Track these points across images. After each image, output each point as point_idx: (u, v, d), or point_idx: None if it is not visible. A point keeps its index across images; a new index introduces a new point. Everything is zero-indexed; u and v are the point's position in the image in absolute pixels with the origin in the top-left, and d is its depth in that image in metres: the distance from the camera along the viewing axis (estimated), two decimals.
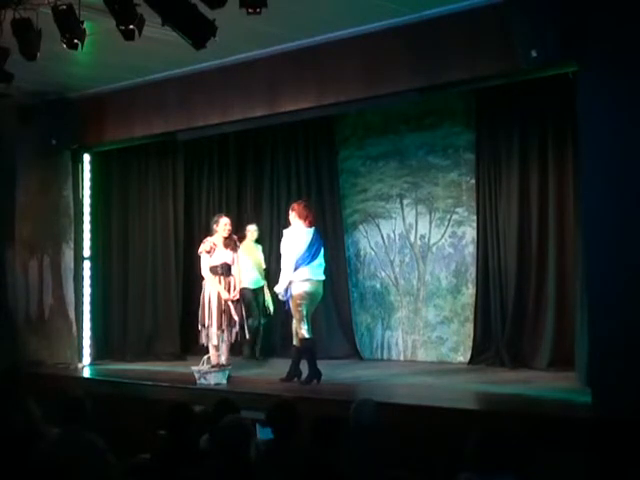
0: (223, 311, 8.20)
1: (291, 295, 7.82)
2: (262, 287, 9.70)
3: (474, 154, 9.04)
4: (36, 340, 9.78)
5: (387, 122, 9.72)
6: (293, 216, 7.98)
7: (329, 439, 4.41)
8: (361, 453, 4.71)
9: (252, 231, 9.86)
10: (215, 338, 8.18)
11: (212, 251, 8.27)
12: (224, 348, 8.29)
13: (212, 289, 8.24)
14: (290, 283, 7.79)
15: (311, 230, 7.96)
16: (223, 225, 8.36)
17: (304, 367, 7.96)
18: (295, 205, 8.10)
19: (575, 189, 7.87)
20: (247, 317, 8.81)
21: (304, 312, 7.76)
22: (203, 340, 8.32)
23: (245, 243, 9.57)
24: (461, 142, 9.25)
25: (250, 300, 9.40)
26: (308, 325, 7.80)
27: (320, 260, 7.98)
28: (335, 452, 4.38)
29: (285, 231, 8.06)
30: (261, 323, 9.76)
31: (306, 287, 7.80)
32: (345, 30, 7.50)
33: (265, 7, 5.19)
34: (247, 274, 9.28)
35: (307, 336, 7.78)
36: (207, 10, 5.22)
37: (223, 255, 8.29)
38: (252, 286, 9.54)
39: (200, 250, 8.35)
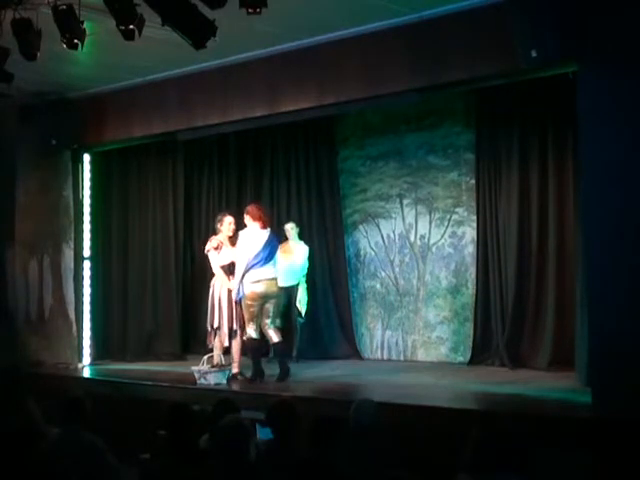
0: (234, 311, 8.17)
1: (243, 295, 7.93)
2: (296, 286, 9.35)
3: (474, 154, 9.04)
4: (36, 340, 9.77)
5: (387, 122, 9.72)
6: (247, 219, 8.06)
7: (329, 439, 4.41)
8: (361, 453, 4.71)
9: (289, 229, 9.50)
10: (227, 340, 8.14)
11: (220, 248, 8.24)
12: (236, 348, 8.25)
13: (222, 288, 8.19)
14: (242, 284, 7.91)
15: (266, 232, 8.06)
16: (227, 224, 8.33)
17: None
18: (249, 208, 8.19)
19: (575, 189, 7.87)
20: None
21: (254, 312, 7.94)
22: (211, 342, 8.25)
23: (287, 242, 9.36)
24: (461, 142, 9.25)
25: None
26: (257, 325, 7.96)
27: (274, 261, 8.11)
28: (335, 452, 4.37)
29: (241, 232, 8.12)
30: (298, 323, 9.43)
31: (257, 288, 7.93)
32: (345, 30, 7.50)
33: (265, 7, 5.19)
34: (280, 272, 9.05)
35: (253, 336, 7.96)
36: (207, 10, 5.22)
37: (230, 254, 8.26)
38: (283, 285, 9.09)
39: (208, 248, 8.30)
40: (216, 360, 8.10)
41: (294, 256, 9.39)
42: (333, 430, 4.48)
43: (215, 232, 8.43)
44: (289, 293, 9.26)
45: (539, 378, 7.77)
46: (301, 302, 9.36)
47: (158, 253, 10.62)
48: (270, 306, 8.04)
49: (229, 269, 8.22)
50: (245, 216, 8.11)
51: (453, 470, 4.08)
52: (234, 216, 8.42)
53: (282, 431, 4.66)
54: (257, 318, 7.97)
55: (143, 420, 7.19)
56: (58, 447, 4.71)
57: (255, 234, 8.00)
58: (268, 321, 8.02)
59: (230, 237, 8.31)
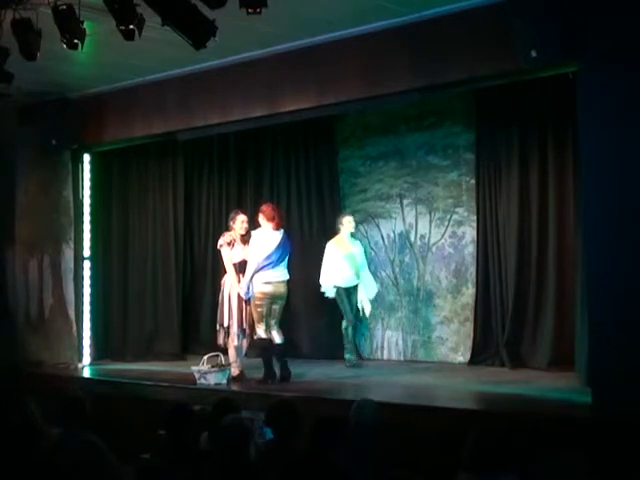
0: (244, 310, 8.15)
1: (253, 295, 7.92)
2: (356, 286, 9.08)
3: (474, 154, 9.04)
4: (36, 340, 9.78)
5: (387, 122, 9.71)
6: (261, 218, 8.03)
7: (329, 439, 4.41)
8: (361, 453, 4.71)
9: (346, 223, 9.12)
10: (236, 339, 8.13)
11: (232, 245, 8.21)
12: (245, 347, 8.26)
13: (232, 287, 8.15)
14: (252, 283, 7.90)
15: (279, 233, 8.03)
16: (240, 222, 8.28)
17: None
18: (263, 207, 8.16)
19: (575, 189, 7.87)
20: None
21: (263, 312, 7.92)
22: (221, 341, 8.24)
23: (338, 237, 9.12)
24: (461, 142, 9.24)
25: (342, 300, 8.98)
26: (266, 326, 7.95)
27: (285, 262, 8.07)
28: (335, 452, 4.37)
29: (253, 232, 8.09)
30: (356, 324, 9.25)
31: (266, 289, 7.92)
32: (345, 30, 7.50)
33: (265, 7, 5.19)
34: (339, 271, 8.97)
35: (263, 336, 7.95)
36: (207, 10, 5.22)
37: (240, 252, 8.23)
38: (345, 285, 9.00)
39: (221, 243, 8.25)
40: (232, 359, 8.11)
41: (352, 253, 9.10)
42: (333, 430, 4.48)
43: (228, 229, 8.40)
44: (350, 292, 9.06)
45: (539, 378, 7.76)
46: (362, 303, 9.11)
47: (158, 253, 10.61)
48: (277, 307, 8.04)
49: (239, 267, 8.19)
50: (259, 215, 8.07)
51: (453, 470, 4.09)
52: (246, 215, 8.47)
53: (282, 431, 4.66)
54: (266, 318, 7.94)
55: (143, 420, 7.20)
56: (58, 447, 4.71)
57: (268, 235, 7.97)
58: (273, 322, 8.01)
59: (242, 235, 8.28)
